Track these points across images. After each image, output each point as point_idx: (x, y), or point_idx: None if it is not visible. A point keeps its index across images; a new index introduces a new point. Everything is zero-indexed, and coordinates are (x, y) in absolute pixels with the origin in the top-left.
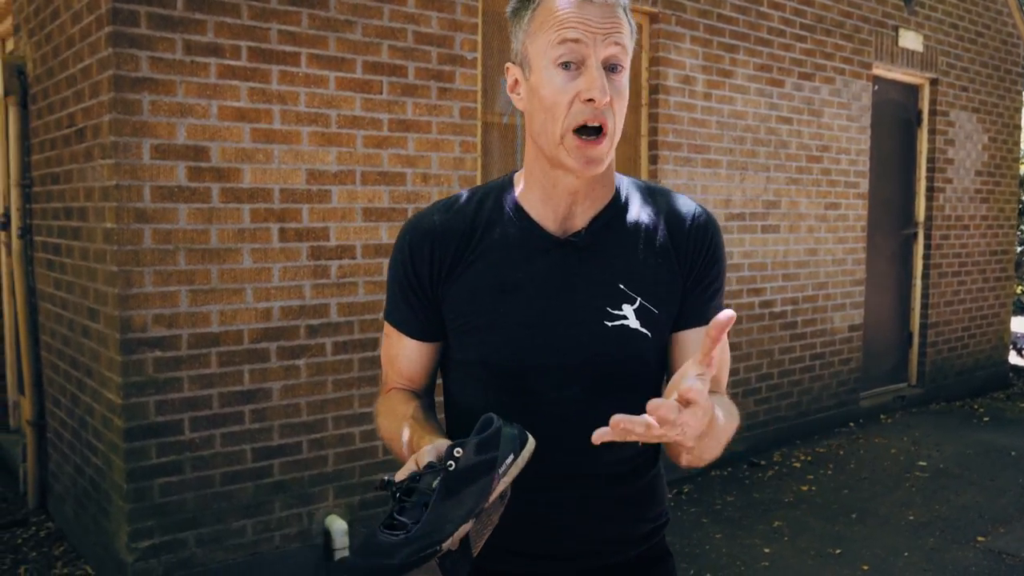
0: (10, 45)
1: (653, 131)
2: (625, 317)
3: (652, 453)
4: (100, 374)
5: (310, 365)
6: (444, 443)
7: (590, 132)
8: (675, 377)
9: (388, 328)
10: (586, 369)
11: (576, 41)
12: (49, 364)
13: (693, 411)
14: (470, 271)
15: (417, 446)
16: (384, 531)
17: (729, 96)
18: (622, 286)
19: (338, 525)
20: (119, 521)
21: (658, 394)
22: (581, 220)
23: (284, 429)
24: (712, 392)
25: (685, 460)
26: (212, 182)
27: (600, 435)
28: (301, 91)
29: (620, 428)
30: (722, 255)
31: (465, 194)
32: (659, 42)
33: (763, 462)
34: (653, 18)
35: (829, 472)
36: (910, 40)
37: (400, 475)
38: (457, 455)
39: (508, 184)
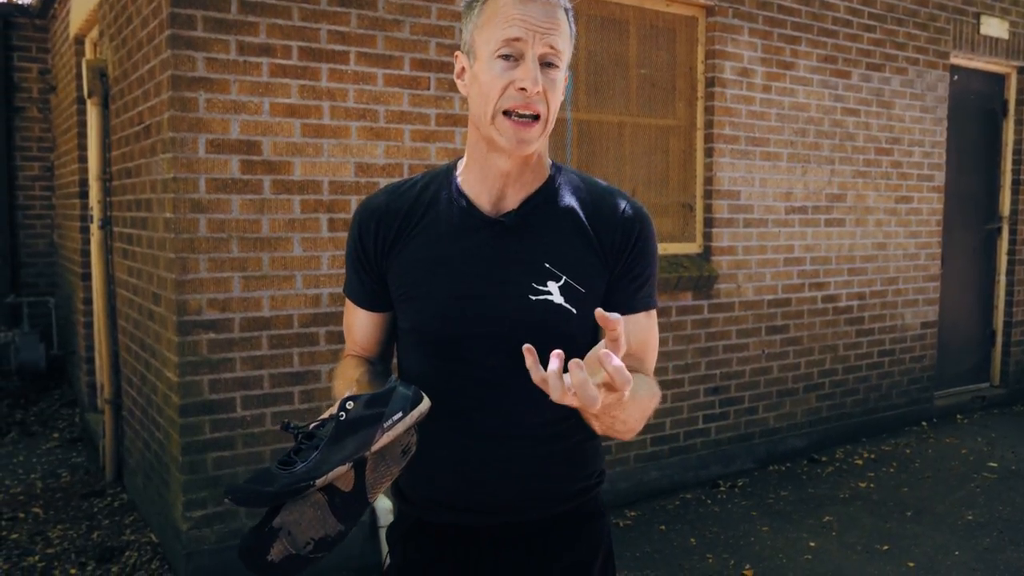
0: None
1: (709, 124)
2: (549, 293)
3: (580, 418)
4: (161, 354)
5: None
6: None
7: (525, 117)
8: (589, 356)
9: (346, 300)
10: (509, 339)
11: (517, 40)
12: (124, 346)
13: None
14: (410, 246)
15: None
16: (278, 466)
17: (790, 88)
18: (547, 264)
19: (383, 503)
20: (176, 492)
21: None
22: (512, 201)
23: None
24: (635, 371)
25: (598, 428)
26: (264, 175)
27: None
28: (350, 88)
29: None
30: (651, 248)
31: (415, 177)
32: (715, 35)
33: (824, 458)
34: (709, 11)
35: (891, 470)
36: (993, 27)
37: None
38: (349, 407)
39: (452, 168)
